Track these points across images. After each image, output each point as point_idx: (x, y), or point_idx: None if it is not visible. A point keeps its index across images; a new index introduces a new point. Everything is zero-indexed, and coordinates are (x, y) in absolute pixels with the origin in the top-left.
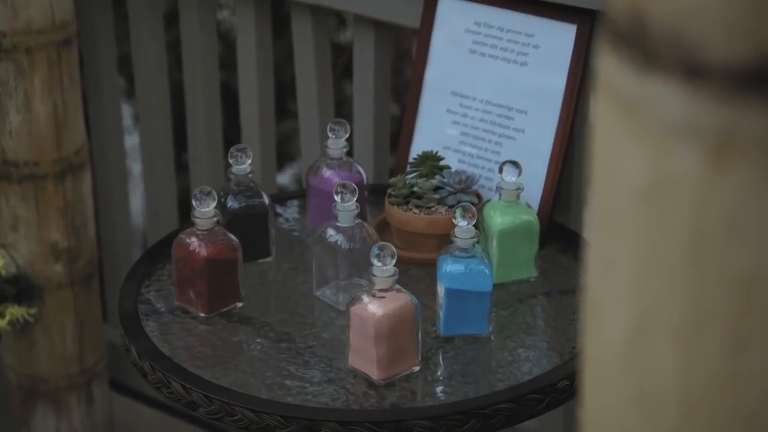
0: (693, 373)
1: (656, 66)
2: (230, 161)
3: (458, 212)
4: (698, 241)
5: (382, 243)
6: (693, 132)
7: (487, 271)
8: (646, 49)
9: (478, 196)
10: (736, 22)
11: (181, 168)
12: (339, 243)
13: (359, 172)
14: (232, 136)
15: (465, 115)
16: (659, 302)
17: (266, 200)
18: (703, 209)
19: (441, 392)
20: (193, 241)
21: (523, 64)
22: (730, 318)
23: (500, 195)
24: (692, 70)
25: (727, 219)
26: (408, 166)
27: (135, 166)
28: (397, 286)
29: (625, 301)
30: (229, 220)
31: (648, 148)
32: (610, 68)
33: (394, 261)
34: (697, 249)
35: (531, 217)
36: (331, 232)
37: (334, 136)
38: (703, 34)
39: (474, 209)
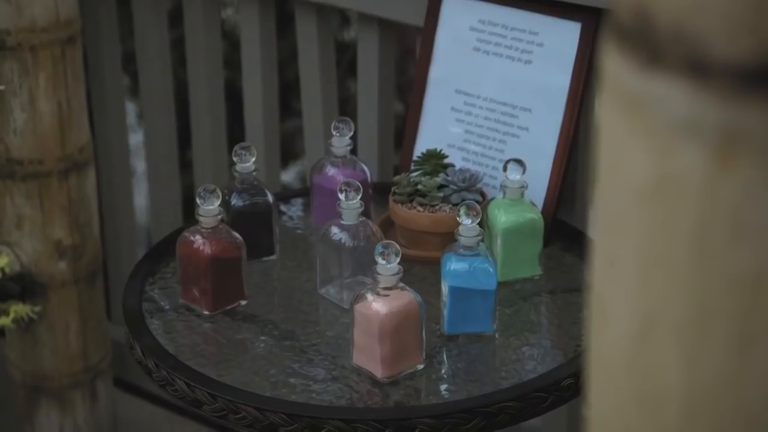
0: (696, 371)
1: (661, 63)
2: (234, 159)
3: (462, 210)
4: (702, 239)
5: (387, 241)
6: (697, 130)
7: (491, 269)
8: (651, 47)
9: (483, 194)
10: (738, 19)
11: (185, 166)
12: (343, 241)
13: (363, 170)
14: (236, 134)
15: (469, 113)
16: (663, 301)
17: (270, 198)
18: (707, 207)
19: (445, 390)
20: (198, 239)
21: (528, 62)
22: (734, 316)
23: (504, 193)
24: (696, 67)
25: (731, 217)
26: (412, 164)
27: (139, 164)
28: (401, 284)
29: (629, 299)
30: (234, 218)
31: (652, 146)
32: (615, 66)
33: (398, 259)
34: (700, 247)
35: (535, 215)
36: (335, 230)
37: (338, 134)
38: (707, 31)
39: (478, 207)
